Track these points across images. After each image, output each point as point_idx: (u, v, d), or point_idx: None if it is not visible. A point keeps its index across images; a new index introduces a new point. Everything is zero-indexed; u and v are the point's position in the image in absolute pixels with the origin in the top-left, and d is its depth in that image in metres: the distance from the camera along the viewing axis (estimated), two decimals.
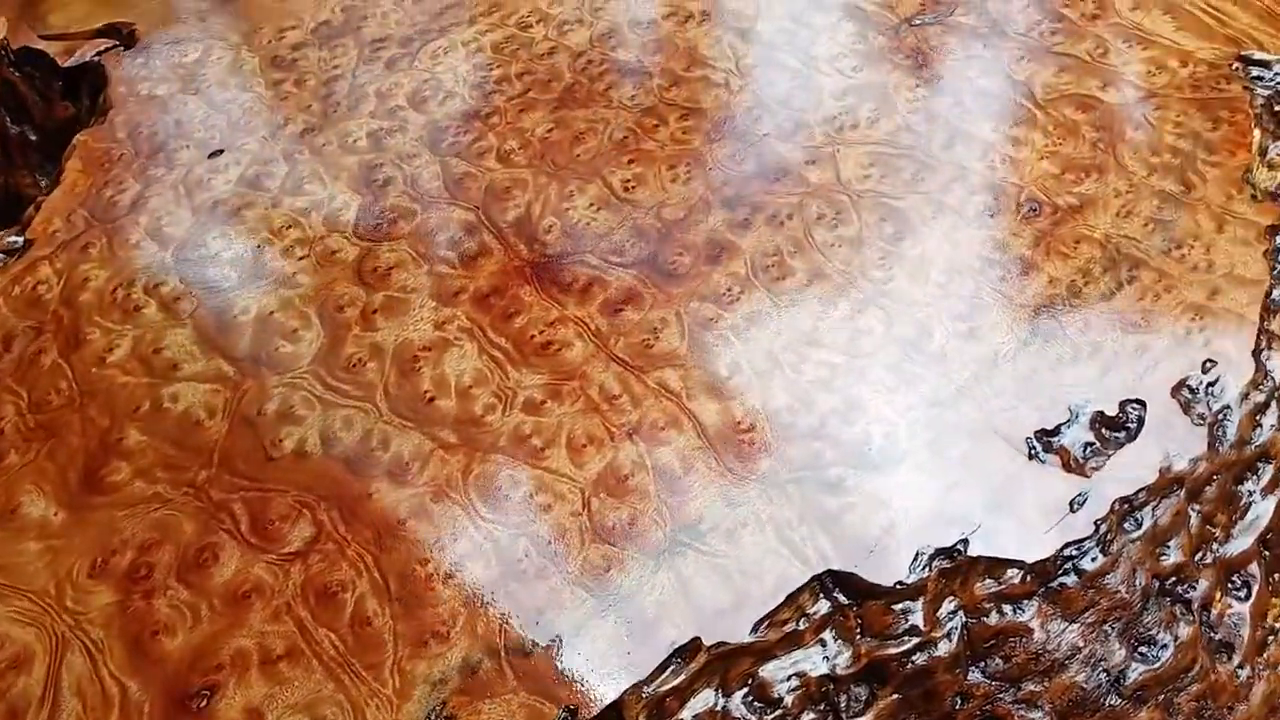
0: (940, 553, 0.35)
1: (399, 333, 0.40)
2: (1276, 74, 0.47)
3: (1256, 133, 0.46)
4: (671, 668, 0.33)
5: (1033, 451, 0.37)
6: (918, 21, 0.50)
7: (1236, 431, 0.37)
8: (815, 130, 0.46)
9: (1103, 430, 0.37)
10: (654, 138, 0.46)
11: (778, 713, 0.33)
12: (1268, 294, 0.40)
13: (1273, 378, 0.39)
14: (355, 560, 0.35)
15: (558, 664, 0.33)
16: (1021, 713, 0.35)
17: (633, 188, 0.44)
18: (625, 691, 0.33)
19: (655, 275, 0.42)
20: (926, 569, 0.35)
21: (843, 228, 0.43)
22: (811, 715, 0.33)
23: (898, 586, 0.34)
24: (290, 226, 0.44)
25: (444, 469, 0.37)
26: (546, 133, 0.46)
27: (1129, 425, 0.37)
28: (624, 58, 0.49)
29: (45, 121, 0.53)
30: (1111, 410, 0.38)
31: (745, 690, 0.33)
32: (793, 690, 0.33)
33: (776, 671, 0.34)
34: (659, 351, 0.40)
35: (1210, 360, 0.39)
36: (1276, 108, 0.47)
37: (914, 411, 0.38)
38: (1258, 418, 0.38)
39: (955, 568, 0.35)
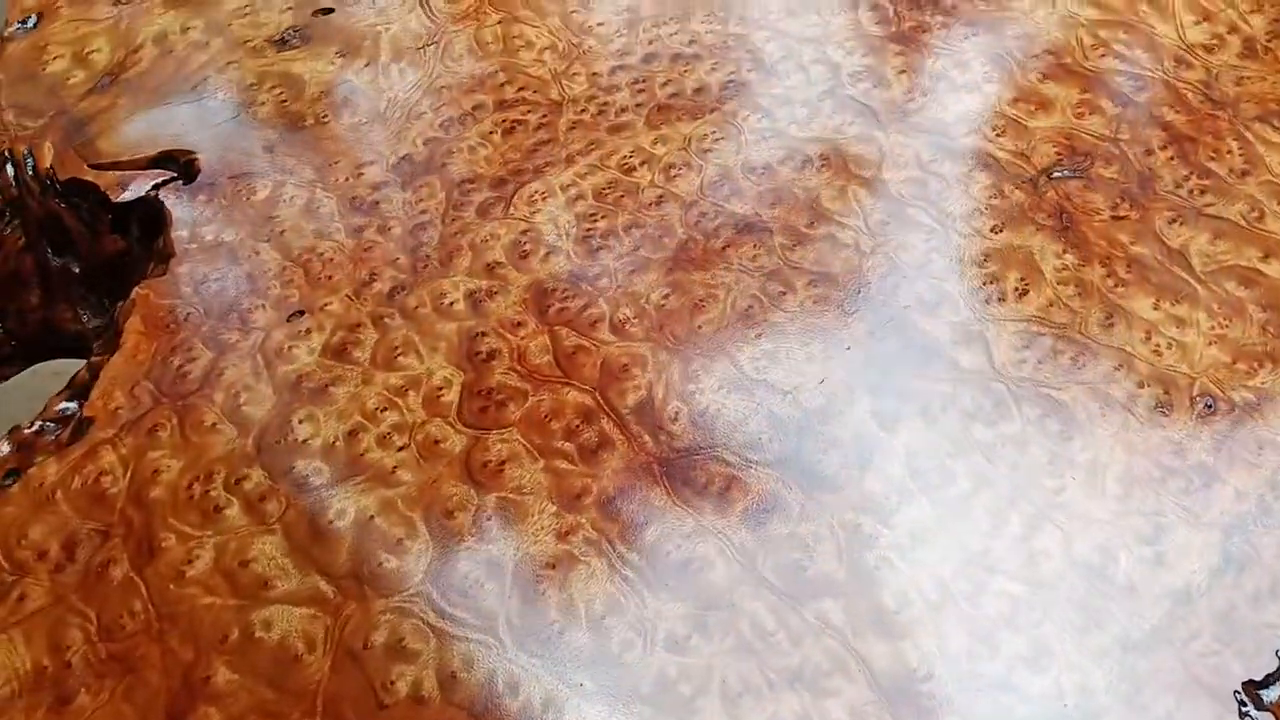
0: None
1: (518, 545, 0.36)
2: None
3: None
4: None
5: (1243, 710, 0.33)
6: (1056, 174, 0.46)
7: None
8: (960, 303, 0.42)
9: None
10: (782, 308, 0.42)
11: None
12: None
13: None
14: None
15: None
16: None
17: (765, 368, 0.40)
18: None
19: (800, 477, 0.38)
20: None
21: (1003, 424, 0.39)
22: None
23: None
24: (386, 409, 0.39)
25: (581, 716, 0.33)
26: (663, 299, 0.42)
27: None
28: (739, 210, 0.45)
29: (91, 255, 0.48)
30: None
31: None
32: None
33: None
34: (813, 574, 0.35)
35: None
36: None
37: (1108, 658, 0.34)
38: None
39: None
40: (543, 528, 0.36)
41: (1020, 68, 0.50)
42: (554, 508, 0.37)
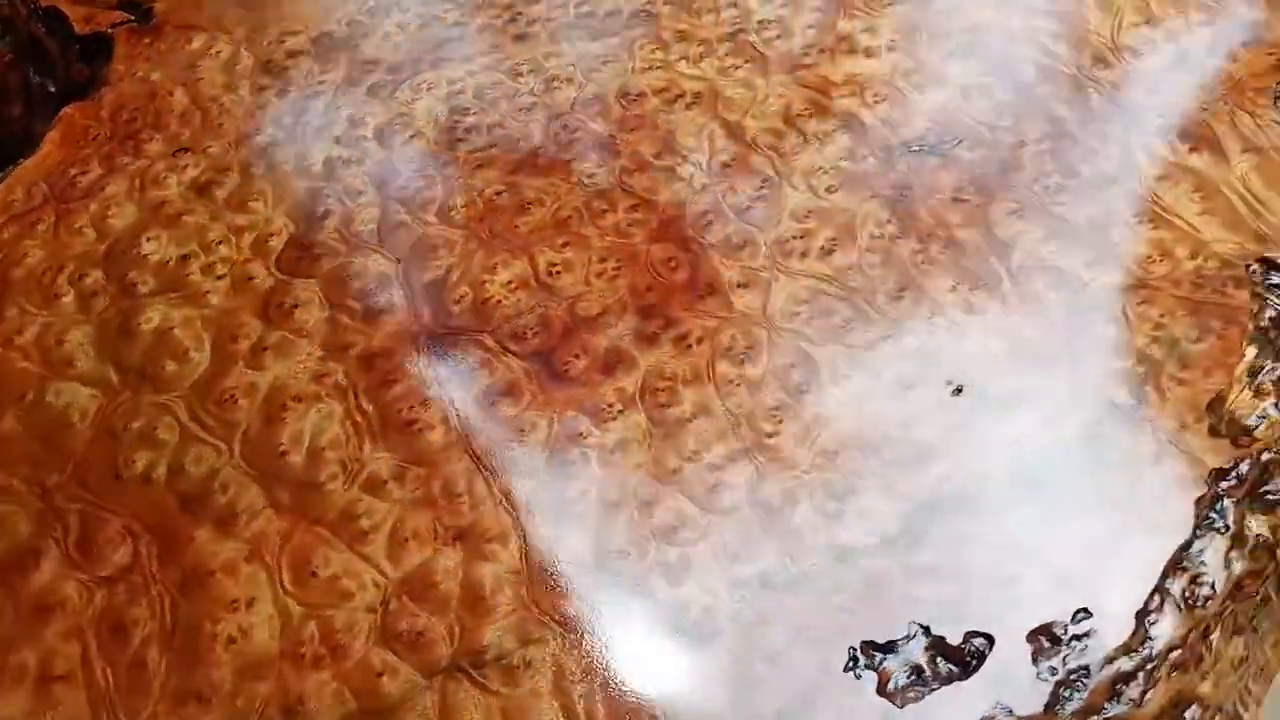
0: None
1: (282, 375, 0.41)
2: None
3: (1251, 351, 0.41)
4: None
5: (852, 664, 0.34)
6: (916, 148, 0.46)
7: (1086, 698, 0.34)
8: (761, 250, 0.43)
9: (936, 659, 0.34)
10: (597, 224, 0.44)
11: None
12: (1182, 548, 0.36)
13: (1151, 646, 0.35)
14: (155, 600, 0.36)
15: None
16: None
17: (557, 274, 0.43)
18: None
19: (544, 373, 0.40)
20: None
21: (750, 366, 0.40)
22: None
23: None
24: (221, 243, 0.44)
25: (268, 529, 0.37)
26: (495, 195, 0.45)
27: (967, 660, 0.34)
28: (598, 129, 0.47)
29: (64, 79, 0.55)
30: (956, 638, 0.34)
31: None
32: None
33: None
34: (519, 454, 0.38)
35: (1084, 610, 0.35)
36: None
37: (745, 589, 0.35)
38: (1118, 688, 0.34)
39: None
40: (304, 366, 0.41)
41: (930, 42, 0.49)
42: (320, 352, 0.41)
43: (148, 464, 0.39)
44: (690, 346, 0.41)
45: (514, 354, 0.41)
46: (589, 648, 0.35)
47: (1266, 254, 0.43)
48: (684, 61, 0.49)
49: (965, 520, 0.37)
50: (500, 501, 0.37)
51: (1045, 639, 0.34)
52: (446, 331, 0.42)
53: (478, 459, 0.38)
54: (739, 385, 0.40)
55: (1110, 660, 0.34)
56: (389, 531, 0.37)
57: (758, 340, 0.41)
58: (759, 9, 0.51)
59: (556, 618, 0.35)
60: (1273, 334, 0.42)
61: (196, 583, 0.36)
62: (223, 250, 0.44)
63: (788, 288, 0.42)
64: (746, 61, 0.49)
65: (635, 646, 0.34)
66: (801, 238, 0.44)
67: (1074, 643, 0.34)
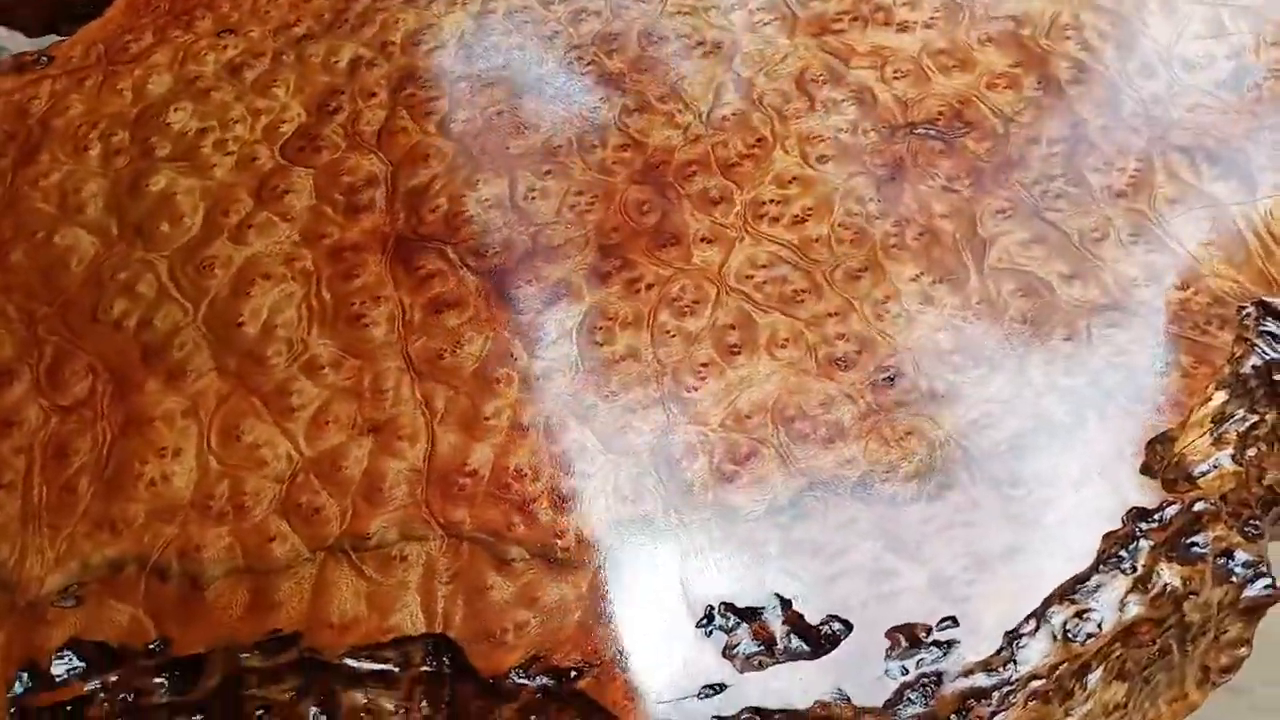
0: (554, 673, 0.34)
1: (259, 253, 0.43)
2: None
3: (1220, 396, 0.39)
4: (270, 647, 0.35)
5: (706, 620, 0.35)
6: (921, 131, 0.45)
7: (930, 706, 0.33)
8: (735, 209, 0.43)
9: (791, 633, 0.34)
10: (584, 158, 0.45)
11: None
12: (1077, 580, 0.35)
13: (1013, 669, 0.34)
14: (98, 435, 0.39)
15: (184, 596, 0.36)
16: None
17: (533, 199, 0.44)
18: (219, 646, 0.35)
19: (494, 291, 0.42)
20: (533, 680, 0.34)
21: (691, 319, 0.40)
22: None
23: (493, 682, 0.34)
24: (238, 122, 0.47)
25: (209, 390, 0.40)
26: (496, 115, 0.46)
27: (820, 642, 0.34)
28: (612, 66, 0.48)
29: None
30: (816, 618, 0.34)
31: (317, 708, 0.35)
32: None
33: (357, 697, 0.35)
34: (450, 364, 0.40)
35: (951, 619, 0.34)
36: (1276, 376, 0.39)
37: (620, 528, 0.36)
38: (968, 703, 0.33)
39: (556, 691, 0.34)
40: (278, 249, 0.43)
41: (972, 22, 0.47)
42: (297, 237, 0.43)
43: (123, 312, 0.42)
44: (639, 291, 0.41)
45: (470, 269, 0.42)
46: (464, 556, 0.36)
47: (1266, 297, 0.40)
48: (715, 10, 0.49)
49: (859, 507, 0.36)
50: (420, 405, 0.39)
51: (904, 638, 0.34)
52: (415, 238, 0.43)
53: (410, 361, 0.40)
54: (674, 336, 0.40)
55: (966, 673, 0.34)
56: (313, 412, 0.39)
57: (705, 296, 0.41)
58: None
59: (441, 521, 0.37)
60: (1253, 383, 0.39)
61: (136, 426, 0.39)
62: (238, 129, 0.47)
63: (750, 250, 0.42)
64: (776, 18, 0.48)
65: (505, 564, 0.36)
66: (779, 202, 0.43)
67: (933, 648, 0.34)
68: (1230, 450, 0.38)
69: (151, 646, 0.35)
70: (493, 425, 0.39)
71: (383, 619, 0.35)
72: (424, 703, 0.34)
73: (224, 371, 0.40)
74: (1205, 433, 0.38)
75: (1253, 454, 0.39)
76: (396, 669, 0.35)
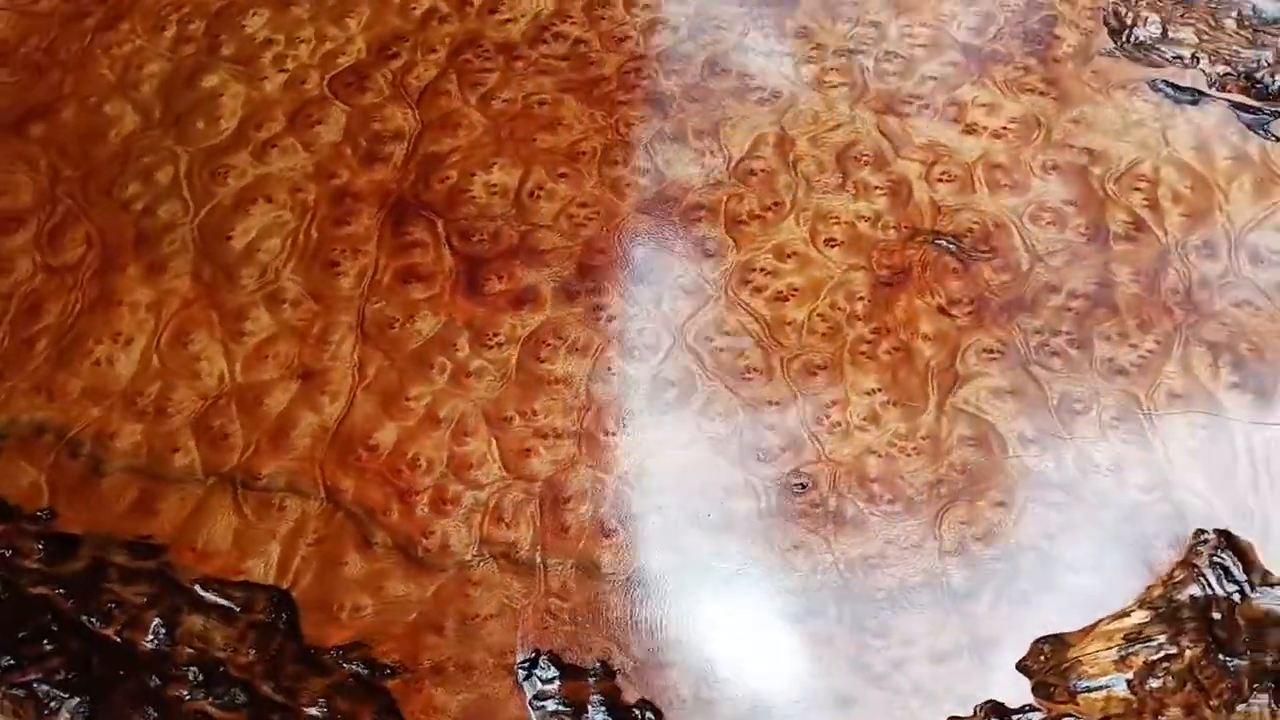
0: (370, 664, 0.35)
1: (272, 174, 0.44)
2: None
3: (1142, 615, 0.36)
4: (138, 550, 0.37)
5: (529, 665, 0.35)
6: (939, 242, 0.42)
7: None
8: (724, 266, 0.42)
9: (602, 704, 0.34)
10: (602, 171, 0.44)
11: None
12: None
13: None
14: (70, 304, 0.42)
15: (83, 477, 0.38)
16: None
17: (538, 197, 0.44)
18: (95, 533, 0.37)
19: (462, 278, 0.42)
20: (349, 664, 0.35)
21: (635, 364, 0.40)
22: None
23: (314, 652, 0.35)
24: (304, 43, 0.48)
25: (179, 292, 0.42)
26: (538, 104, 0.46)
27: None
28: (666, 86, 0.47)
29: None
30: (633, 698, 0.34)
31: None
32: None
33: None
34: (395, 335, 0.41)
35: None
36: (1214, 614, 0.37)
37: (487, 548, 0.36)
38: None
39: (366, 682, 0.35)
40: (290, 175, 0.44)
41: (1044, 144, 0.44)
42: (310, 169, 0.44)
43: (134, 194, 0.44)
44: (599, 320, 0.41)
45: (452, 248, 0.43)
46: (334, 524, 0.37)
47: (1232, 530, 0.37)
48: (789, 58, 0.47)
49: (705, 600, 0.36)
50: (354, 366, 0.40)
51: None
52: (414, 202, 0.44)
53: (362, 321, 0.41)
54: (615, 377, 0.40)
55: None
56: (259, 342, 0.41)
57: (659, 345, 0.40)
58: (894, 39, 0.48)
59: (328, 484, 0.38)
60: (1185, 613, 0.36)
61: (104, 305, 0.41)
62: (300, 50, 0.48)
63: (720, 312, 0.41)
64: (845, 83, 0.46)
65: (367, 545, 0.37)
66: (769, 273, 0.42)
67: None
68: (1130, 675, 0.36)
69: (39, 514, 0.38)
70: (410, 408, 0.39)
71: (241, 559, 0.37)
72: (252, 650, 0.36)
73: (197, 279, 0.42)
74: (1112, 648, 0.36)
75: (1155, 686, 0.36)
76: (238, 609, 0.36)
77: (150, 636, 0.36)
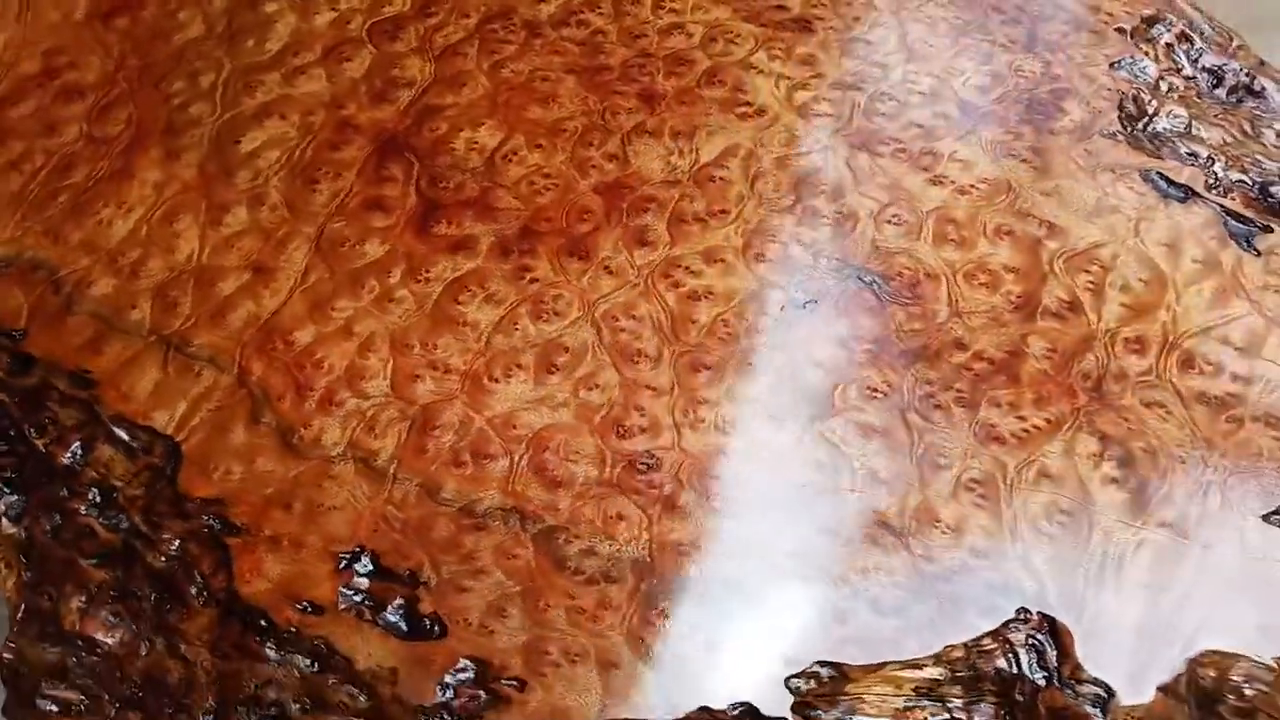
0: (222, 520, 0.39)
1: (293, 95, 0.50)
2: None
3: (937, 672, 0.36)
4: (76, 380, 0.42)
5: (351, 558, 0.38)
6: (866, 279, 0.43)
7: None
8: (651, 258, 0.44)
9: (401, 609, 0.37)
10: (575, 150, 0.47)
11: None
12: None
13: None
14: (96, 169, 0.48)
15: (57, 311, 0.44)
16: None
17: (510, 160, 0.47)
18: (50, 359, 0.43)
19: (417, 217, 0.46)
20: (204, 516, 0.39)
21: (540, 325, 0.43)
22: None
23: (182, 499, 0.40)
24: None
25: (183, 178, 0.47)
26: (541, 79, 0.50)
27: (418, 630, 0.37)
28: (660, 87, 0.49)
29: None
30: (429, 610, 0.37)
31: None
32: None
33: None
34: (343, 253, 0.45)
35: (517, 679, 0.35)
36: (1017, 695, 0.36)
37: (352, 450, 0.40)
38: None
39: (213, 534, 0.39)
40: (308, 99, 0.49)
41: (1007, 210, 0.44)
42: (326, 97, 0.49)
43: (176, 91, 0.50)
44: (522, 280, 0.44)
45: (418, 190, 0.47)
46: (235, 398, 0.41)
47: (1054, 615, 0.36)
48: (783, 81, 0.49)
49: (528, 552, 0.38)
50: (299, 272, 0.45)
51: (474, 667, 0.36)
52: (402, 144, 0.48)
53: (320, 235, 0.45)
54: (518, 333, 0.43)
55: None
56: (230, 234, 0.46)
57: (566, 314, 0.43)
58: (896, 82, 0.48)
59: (242, 364, 0.42)
60: (986, 685, 0.36)
61: (122, 176, 0.48)
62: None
63: (634, 298, 0.43)
64: (830, 115, 0.48)
65: (255, 422, 0.41)
66: (691, 273, 0.44)
67: (480, 690, 0.35)
68: None
69: (14, 333, 0.44)
70: (332, 317, 0.43)
71: (153, 408, 0.42)
72: (141, 486, 0.41)
73: (202, 171, 0.48)
74: (900, 696, 0.36)
75: None
76: (139, 449, 0.41)
77: (69, 455, 0.42)
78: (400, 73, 0.50)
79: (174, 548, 0.39)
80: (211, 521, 0.39)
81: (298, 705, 0.36)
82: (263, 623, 0.37)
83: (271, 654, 0.37)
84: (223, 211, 0.46)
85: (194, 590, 0.38)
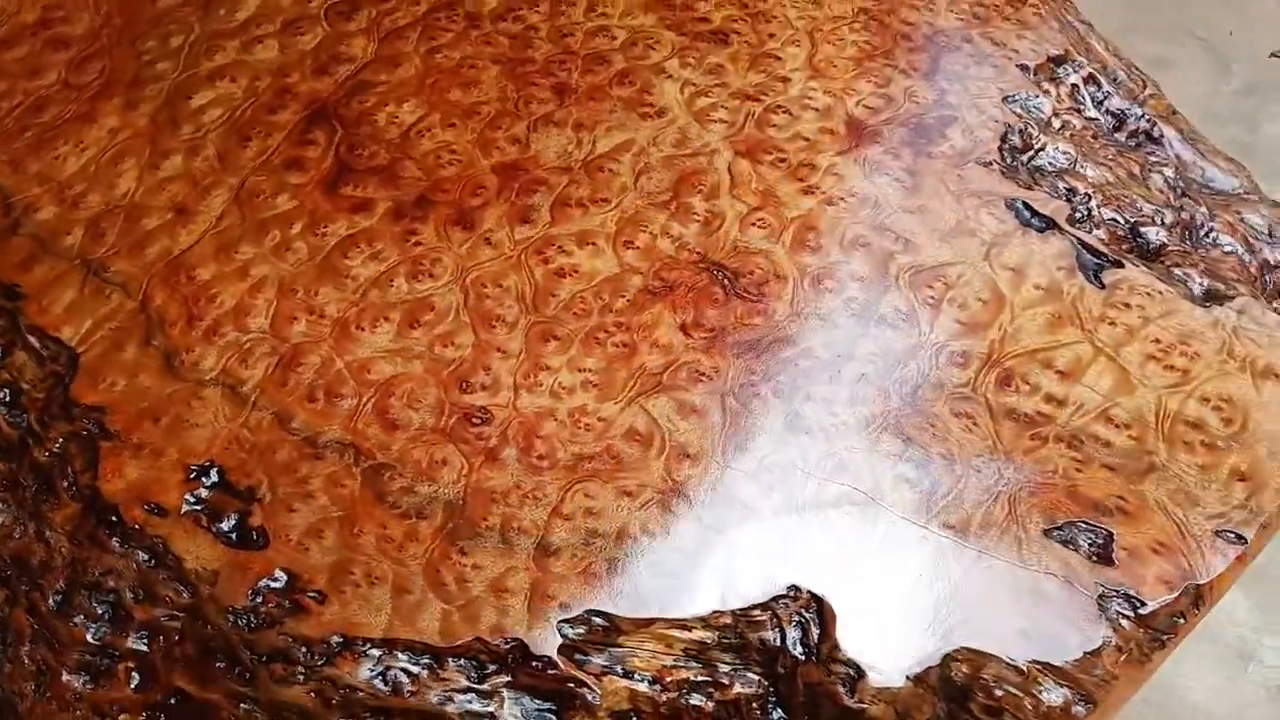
0: (100, 426, 0.44)
1: (247, 61, 0.54)
2: None
3: (706, 635, 0.38)
4: (7, 291, 0.48)
5: (201, 472, 0.42)
6: (718, 273, 0.46)
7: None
8: (530, 235, 0.47)
9: (236, 525, 0.41)
10: (483, 132, 0.51)
11: None
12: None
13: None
14: (64, 111, 0.53)
15: (3, 231, 0.49)
16: None
17: (422, 135, 0.51)
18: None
19: (328, 178, 0.50)
20: (86, 421, 0.44)
21: (414, 283, 0.46)
22: None
23: (71, 401, 0.44)
24: None
25: (135, 125, 0.52)
26: (469, 66, 0.54)
27: (246, 540, 0.40)
28: (574, 82, 0.52)
29: None
30: (264, 525, 0.41)
31: None
32: None
33: None
34: (257, 204, 0.49)
35: (320, 592, 0.39)
36: (780, 667, 0.38)
37: (224, 378, 0.44)
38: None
39: (90, 437, 0.43)
40: (258, 66, 0.54)
41: (868, 225, 0.47)
42: (274, 66, 0.54)
43: (147, 49, 0.56)
44: (407, 243, 0.48)
45: (335, 155, 0.51)
46: (134, 322, 0.46)
47: (823, 596, 0.39)
48: (688, 87, 0.52)
49: (355, 484, 0.42)
50: (216, 217, 0.49)
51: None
52: (332, 114, 0.52)
53: (241, 187, 0.50)
54: (393, 290, 0.46)
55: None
56: (166, 177, 0.50)
57: (439, 276, 0.47)
58: (794, 97, 0.51)
59: (145, 293, 0.47)
60: (752, 654, 0.38)
61: (85, 119, 0.53)
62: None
63: (505, 269, 0.47)
64: (726, 121, 0.50)
65: (146, 344, 0.45)
66: (563, 251, 0.47)
67: (283, 601, 0.39)
68: (664, 687, 0.38)
69: None
70: (236, 259, 0.48)
71: (63, 322, 0.46)
72: (43, 393, 0.46)
73: (153, 121, 0.53)
74: (670, 655, 0.39)
75: (692, 704, 0.38)
76: (46, 357, 0.46)
77: None
78: (345, 49, 0.55)
79: (57, 446, 0.44)
80: (91, 426, 0.44)
81: (132, 595, 0.41)
82: (113, 518, 0.41)
83: (116, 547, 0.41)
84: (162, 158, 0.51)
85: (65, 484, 0.43)
